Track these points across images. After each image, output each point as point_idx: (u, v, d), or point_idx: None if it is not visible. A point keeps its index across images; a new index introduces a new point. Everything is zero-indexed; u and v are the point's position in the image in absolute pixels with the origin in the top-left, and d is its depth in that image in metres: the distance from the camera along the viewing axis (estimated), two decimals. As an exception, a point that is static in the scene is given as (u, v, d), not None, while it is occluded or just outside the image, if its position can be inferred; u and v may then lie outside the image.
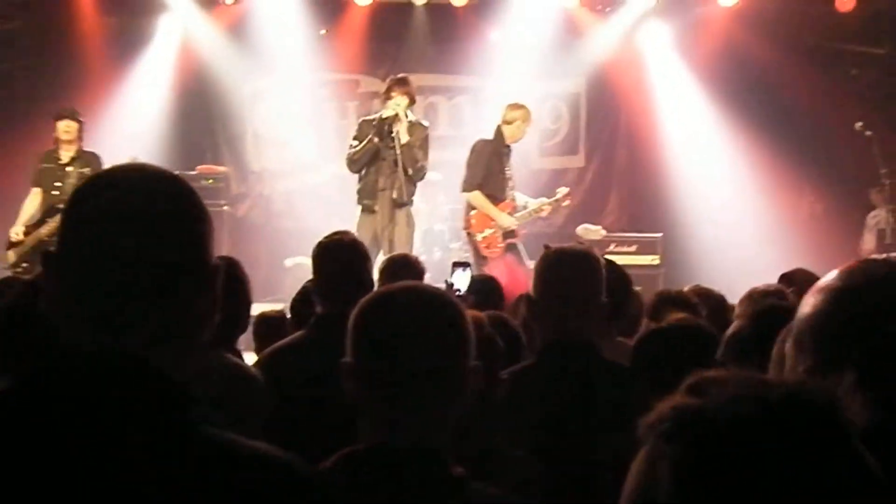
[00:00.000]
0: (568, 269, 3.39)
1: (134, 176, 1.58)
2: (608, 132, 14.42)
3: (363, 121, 9.82)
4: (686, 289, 5.27)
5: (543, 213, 10.49)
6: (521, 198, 10.33)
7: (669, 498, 0.96)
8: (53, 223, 9.67)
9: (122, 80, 13.18)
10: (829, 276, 1.71)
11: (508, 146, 10.01)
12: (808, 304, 1.69)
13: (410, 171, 9.33)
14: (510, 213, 10.00)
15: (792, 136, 13.00)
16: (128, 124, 12.62)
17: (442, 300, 2.15)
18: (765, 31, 13.27)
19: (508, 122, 10.00)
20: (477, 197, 9.82)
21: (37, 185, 10.13)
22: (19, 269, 9.75)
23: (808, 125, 13.04)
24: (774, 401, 0.98)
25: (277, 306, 7.16)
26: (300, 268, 11.99)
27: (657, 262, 11.68)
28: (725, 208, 13.31)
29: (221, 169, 12.89)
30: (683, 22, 13.61)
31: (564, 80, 14.32)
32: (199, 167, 12.46)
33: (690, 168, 13.46)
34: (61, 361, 1.47)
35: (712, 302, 4.75)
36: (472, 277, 5.80)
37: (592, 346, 3.36)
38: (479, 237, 9.89)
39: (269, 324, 5.64)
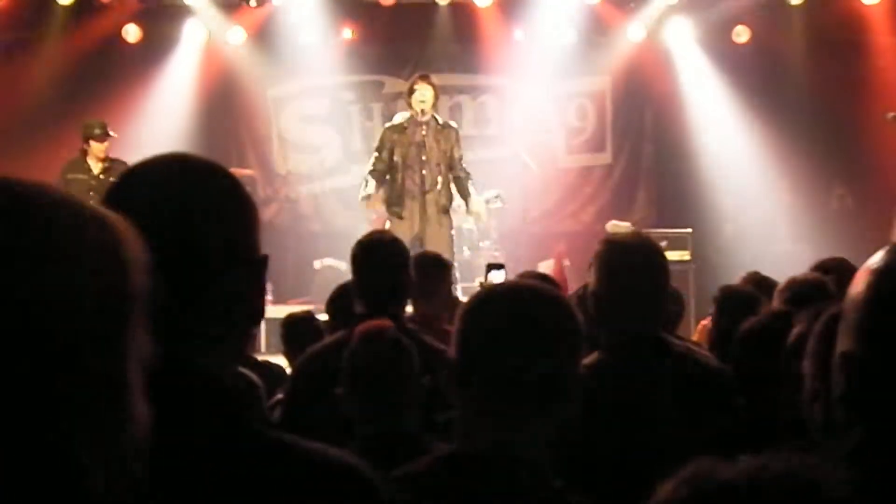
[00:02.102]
0: (638, 260, 3.14)
1: (173, 165, 1.50)
2: (634, 129, 14.35)
3: (386, 128, 9.73)
4: (741, 278, 5.21)
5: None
6: None
7: None
8: None
9: (148, 86, 13.21)
10: (877, 255, 1.64)
11: None
12: (856, 285, 1.63)
13: (462, 174, 9.34)
14: None
15: (820, 129, 12.92)
16: (153, 129, 12.64)
17: (557, 301, 2.01)
18: (791, 25, 13.19)
19: None
20: None
21: None
22: None
23: (836, 118, 12.94)
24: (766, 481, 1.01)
25: (307, 308, 7.13)
26: (329, 269, 11.98)
27: (688, 257, 11.58)
28: (755, 203, 13.21)
29: (247, 172, 12.88)
30: (708, 16, 13.51)
31: (590, 78, 14.27)
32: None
33: (718, 163, 13.38)
34: None
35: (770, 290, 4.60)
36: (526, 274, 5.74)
37: (664, 340, 3.17)
38: None
39: (298, 325, 5.61)
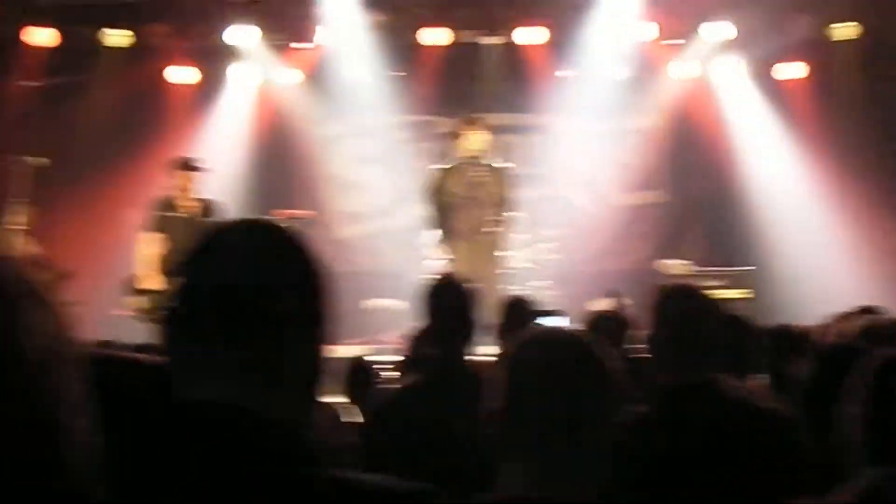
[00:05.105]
0: (691, 307, 3.25)
1: (251, 231, 1.65)
2: (687, 166, 14.25)
3: (438, 170, 9.77)
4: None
5: None
6: None
7: None
8: None
9: (200, 128, 13.30)
10: None
11: None
12: None
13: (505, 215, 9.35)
14: None
15: (880, 165, 12.75)
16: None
17: (594, 349, 2.09)
18: (846, 60, 13.07)
19: None
20: None
21: (159, 230, 9.66)
22: (155, 316, 9.30)
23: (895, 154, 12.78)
24: None
25: (355, 349, 7.20)
26: (380, 310, 11.95)
27: (750, 295, 11.42)
28: (816, 240, 13.00)
29: (308, 213, 12.88)
30: (758, 52, 13.41)
31: (640, 115, 14.21)
32: (275, 211, 12.42)
33: (775, 199, 13.23)
34: (179, 414, 1.51)
35: None
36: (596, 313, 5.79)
37: (719, 386, 3.18)
38: None
39: (363, 369, 5.87)
